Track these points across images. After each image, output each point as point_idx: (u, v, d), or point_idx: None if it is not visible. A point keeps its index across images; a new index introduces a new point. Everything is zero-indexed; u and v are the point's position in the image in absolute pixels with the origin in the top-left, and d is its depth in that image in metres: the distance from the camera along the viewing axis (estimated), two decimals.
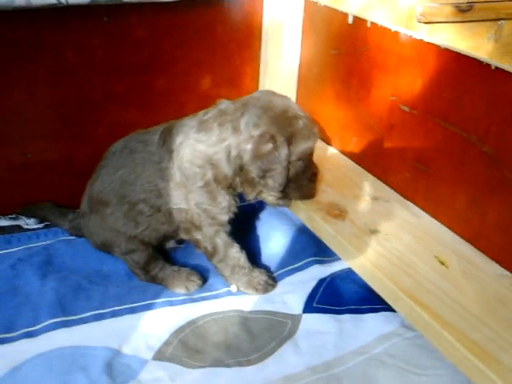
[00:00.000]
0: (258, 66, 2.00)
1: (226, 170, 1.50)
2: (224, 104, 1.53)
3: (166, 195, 1.57)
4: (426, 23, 2.22)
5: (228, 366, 1.39)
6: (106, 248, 1.71)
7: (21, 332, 1.46)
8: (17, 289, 1.60)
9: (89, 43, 1.75)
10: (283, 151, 1.44)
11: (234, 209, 1.59)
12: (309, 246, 1.77)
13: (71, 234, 1.81)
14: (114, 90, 1.84)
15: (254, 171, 1.46)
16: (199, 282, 1.64)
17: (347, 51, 1.72)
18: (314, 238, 1.70)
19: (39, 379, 1.34)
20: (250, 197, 1.57)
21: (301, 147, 1.48)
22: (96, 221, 1.67)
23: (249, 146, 1.45)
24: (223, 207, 1.56)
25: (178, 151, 1.54)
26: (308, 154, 1.52)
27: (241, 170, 1.49)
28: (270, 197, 1.56)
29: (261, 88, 2.01)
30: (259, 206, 1.92)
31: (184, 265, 1.71)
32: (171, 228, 1.64)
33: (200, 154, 1.51)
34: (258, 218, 1.89)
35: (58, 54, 1.73)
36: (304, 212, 1.56)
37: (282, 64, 1.97)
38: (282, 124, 1.45)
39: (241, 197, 1.62)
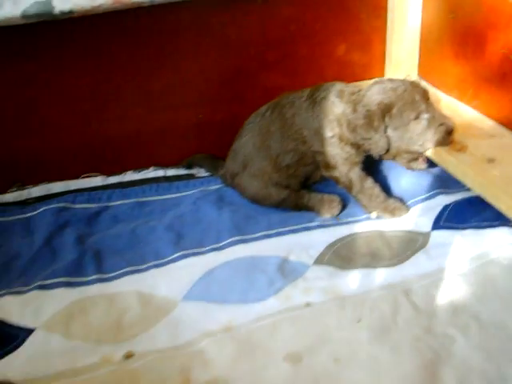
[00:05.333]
0: (385, 32, 2.27)
1: (348, 134, 1.86)
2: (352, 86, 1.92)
3: (309, 141, 1.93)
4: None
5: (374, 267, 1.71)
6: (257, 201, 2.05)
7: (209, 247, 1.84)
8: (200, 219, 2.00)
9: (247, 22, 2.12)
10: (376, 122, 1.77)
11: (357, 159, 1.92)
12: (435, 182, 2.02)
13: (222, 183, 2.19)
14: (267, 60, 2.20)
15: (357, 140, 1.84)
16: (339, 206, 1.95)
17: (463, 15, 2.00)
18: (440, 176, 2.00)
19: (229, 278, 1.71)
20: (376, 156, 1.90)
21: (407, 109, 1.76)
22: (249, 176, 2.03)
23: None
24: (346, 158, 1.90)
25: (319, 103, 1.89)
26: (421, 111, 1.77)
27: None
28: (403, 159, 1.91)
29: (387, 52, 2.31)
30: None
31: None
32: (314, 167, 2.00)
33: (333, 111, 1.87)
34: (389, 164, 2.13)
35: (222, 31, 2.11)
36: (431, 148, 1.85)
37: (405, 29, 2.21)
38: (380, 98, 1.79)
39: None
